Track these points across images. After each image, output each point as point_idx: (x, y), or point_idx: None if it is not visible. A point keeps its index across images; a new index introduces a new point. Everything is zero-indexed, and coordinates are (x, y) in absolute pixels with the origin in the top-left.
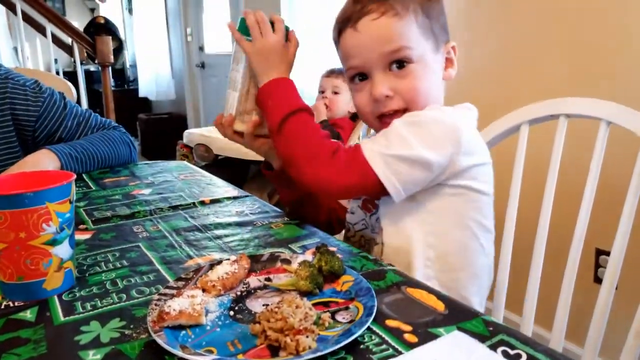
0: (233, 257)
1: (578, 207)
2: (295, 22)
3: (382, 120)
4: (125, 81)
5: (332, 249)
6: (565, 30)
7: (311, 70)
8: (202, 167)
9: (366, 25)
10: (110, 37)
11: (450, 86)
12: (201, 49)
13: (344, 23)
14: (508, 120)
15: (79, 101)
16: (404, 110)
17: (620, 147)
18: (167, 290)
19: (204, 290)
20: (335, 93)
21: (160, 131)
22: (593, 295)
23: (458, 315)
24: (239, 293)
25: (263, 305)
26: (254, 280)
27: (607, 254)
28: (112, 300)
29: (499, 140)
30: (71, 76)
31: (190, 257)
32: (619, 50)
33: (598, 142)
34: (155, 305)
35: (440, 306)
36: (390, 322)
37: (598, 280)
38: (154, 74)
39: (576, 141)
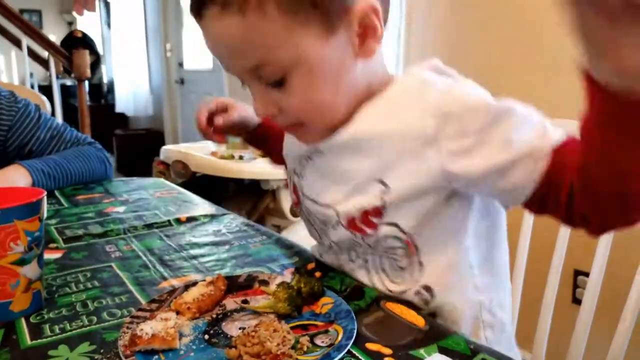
0: (209, 278)
1: (557, 228)
2: None
3: (285, 129)
4: (102, 96)
5: (310, 265)
6: (546, 52)
7: None
8: (179, 185)
9: (209, 26)
10: (87, 51)
11: None
12: (180, 65)
13: (192, 12)
14: None
15: (53, 115)
16: (301, 124)
17: None
18: (140, 313)
19: (178, 313)
20: None
21: (137, 148)
22: (572, 316)
23: (438, 332)
24: (214, 316)
25: (239, 328)
26: (231, 303)
27: (586, 274)
28: (82, 323)
29: None
30: (47, 90)
31: (165, 278)
32: None
33: None
34: (127, 328)
35: (420, 322)
36: (371, 346)
37: (577, 301)
38: (131, 89)
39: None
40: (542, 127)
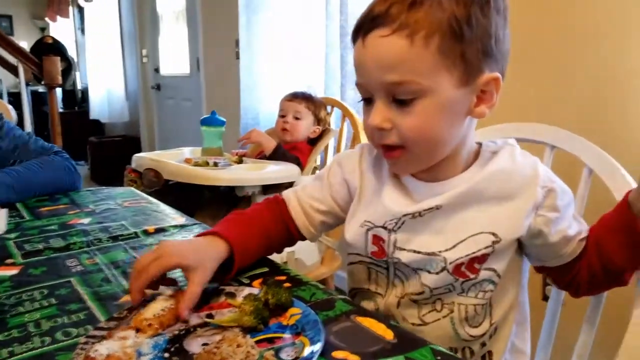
0: (168, 292)
1: None
2: (254, 45)
3: (383, 149)
4: (76, 103)
5: (281, 278)
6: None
7: (271, 91)
8: (152, 193)
9: (373, 42)
10: (58, 58)
11: None
12: (157, 70)
13: (356, 32)
14: None
15: (22, 123)
16: (403, 148)
17: (565, 170)
18: (97, 332)
19: (138, 330)
20: (297, 119)
21: (112, 155)
22: (542, 313)
23: (406, 344)
24: (176, 332)
25: (202, 345)
26: (195, 317)
27: None
28: (33, 345)
29: None
30: (17, 97)
31: (127, 292)
32: (562, 79)
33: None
34: (81, 349)
35: (389, 335)
36: (338, 354)
37: (547, 298)
38: (106, 95)
39: None
40: (578, 217)
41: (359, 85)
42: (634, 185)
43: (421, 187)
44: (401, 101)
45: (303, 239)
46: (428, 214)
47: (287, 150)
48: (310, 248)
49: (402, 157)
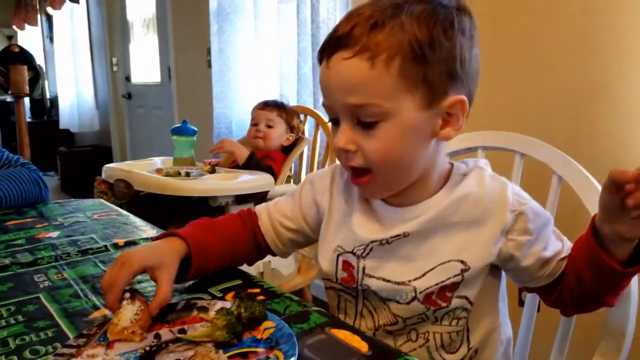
0: (127, 295)
1: None
2: (226, 53)
3: (352, 175)
4: (45, 112)
5: (254, 290)
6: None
7: (243, 99)
8: (122, 205)
9: (336, 64)
10: (25, 67)
11: None
12: (127, 79)
13: (321, 53)
14: None
15: None
16: (370, 172)
17: (535, 178)
18: (65, 350)
19: (108, 346)
20: (269, 127)
21: (83, 165)
22: (519, 319)
23: (381, 356)
24: (147, 348)
25: None
26: (167, 333)
27: None
28: None
29: None
30: None
31: (97, 308)
32: (529, 86)
33: (513, 173)
34: None
35: (363, 347)
36: None
37: (523, 303)
38: (76, 104)
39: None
40: (560, 235)
41: (325, 106)
42: None
43: (390, 212)
44: (365, 124)
45: (273, 254)
46: (396, 241)
47: (261, 160)
48: (286, 258)
49: (370, 183)
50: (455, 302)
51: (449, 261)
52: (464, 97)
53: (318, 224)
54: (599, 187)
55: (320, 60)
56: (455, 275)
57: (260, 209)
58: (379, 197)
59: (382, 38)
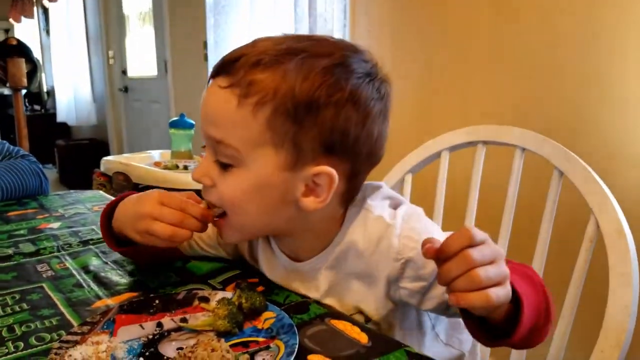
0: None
1: (498, 231)
2: (222, 46)
3: (209, 208)
4: (42, 105)
5: (253, 280)
6: (482, 61)
7: None
8: None
9: (211, 89)
10: (23, 60)
11: None
12: (124, 72)
13: (211, 72)
14: (429, 147)
15: None
16: (225, 215)
17: (535, 172)
18: (70, 337)
19: (114, 332)
20: None
21: (80, 158)
22: None
23: (381, 347)
24: (150, 336)
25: (177, 349)
26: (169, 322)
27: None
28: (7, 350)
29: (422, 166)
30: None
31: (99, 298)
32: (530, 81)
33: (514, 168)
34: (55, 354)
35: (363, 338)
36: (313, 357)
37: None
38: (73, 98)
39: (494, 166)
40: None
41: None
42: (604, 187)
43: (290, 267)
44: (221, 163)
45: None
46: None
47: None
48: None
49: (225, 221)
50: None
51: (355, 314)
52: (332, 172)
53: (236, 252)
54: (601, 182)
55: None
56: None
57: None
58: (234, 241)
59: (259, 78)
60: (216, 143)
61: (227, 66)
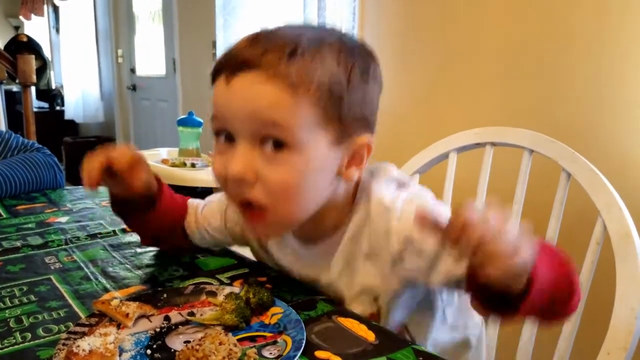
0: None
1: None
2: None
3: (242, 208)
4: (50, 102)
5: (261, 279)
6: (492, 63)
7: None
8: None
9: (242, 86)
10: (33, 56)
11: (384, 116)
12: (132, 70)
13: (218, 72)
14: (437, 148)
15: None
16: (263, 207)
17: (544, 174)
18: (78, 328)
19: (119, 327)
20: None
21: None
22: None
23: (388, 345)
24: (158, 330)
25: (184, 342)
26: (176, 315)
27: None
28: (15, 340)
29: (429, 167)
30: None
31: (107, 290)
32: (539, 82)
33: (522, 169)
34: (63, 345)
35: (370, 336)
36: (320, 354)
37: None
38: (81, 95)
39: (502, 168)
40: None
41: (216, 120)
42: (612, 189)
43: (302, 250)
44: (276, 143)
45: None
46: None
47: None
48: None
49: (262, 218)
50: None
51: (361, 294)
52: (371, 140)
53: (243, 238)
54: (608, 184)
55: (214, 78)
56: (371, 305)
57: (190, 209)
58: (271, 237)
59: (301, 68)
60: (268, 125)
61: (254, 63)
